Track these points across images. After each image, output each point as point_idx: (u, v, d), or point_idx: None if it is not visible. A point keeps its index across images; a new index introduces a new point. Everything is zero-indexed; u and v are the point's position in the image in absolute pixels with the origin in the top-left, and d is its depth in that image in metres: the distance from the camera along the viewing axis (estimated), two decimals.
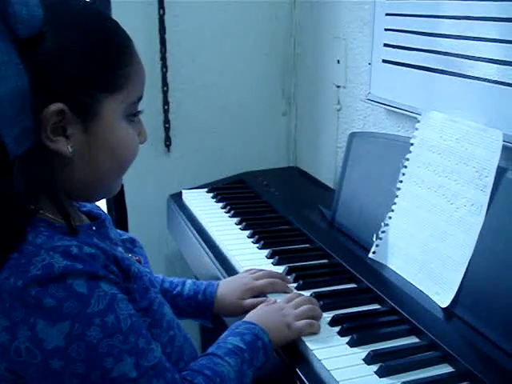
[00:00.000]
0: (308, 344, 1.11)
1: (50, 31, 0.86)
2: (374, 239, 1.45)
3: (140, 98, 0.98)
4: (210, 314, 1.31)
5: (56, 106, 0.86)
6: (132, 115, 0.97)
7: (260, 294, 1.30)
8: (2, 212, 0.84)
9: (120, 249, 1.04)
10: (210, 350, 1.05)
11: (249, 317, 1.16)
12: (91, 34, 0.90)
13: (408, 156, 1.43)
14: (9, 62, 0.82)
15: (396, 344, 1.12)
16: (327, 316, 1.20)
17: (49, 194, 0.90)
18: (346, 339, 1.12)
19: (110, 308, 0.86)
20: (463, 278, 1.21)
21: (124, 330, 0.87)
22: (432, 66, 1.51)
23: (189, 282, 1.34)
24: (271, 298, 1.27)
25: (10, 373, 0.85)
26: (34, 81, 0.84)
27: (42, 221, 0.90)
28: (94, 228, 1.00)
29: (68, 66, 0.87)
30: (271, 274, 1.34)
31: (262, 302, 1.24)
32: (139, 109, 0.99)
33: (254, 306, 1.23)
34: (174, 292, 1.31)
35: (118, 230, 1.13)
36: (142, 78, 0.98)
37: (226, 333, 1.09)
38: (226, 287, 1.32)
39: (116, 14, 2.03)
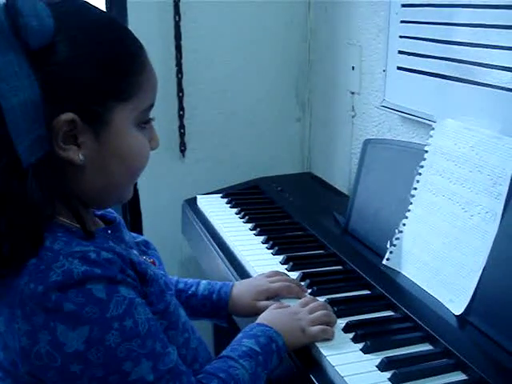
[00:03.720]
0: (322, 350, 1.12)
1: (61, 41, 0.86)
2: (388, 246, 1.45)
3: (152, 106, 0.98)
4: (225, 314, 1.32)
5: (66, 116, 0.87)
6: (143, 122, 0.97)
7: (274, 296, 1.30)
8: (18, 218, 0.86)
9: (135, 252, 1.05)
10: (225, 352, 1.06)
11: (263, 318, 1.16)
12: (102, 43, 0.91)
13: (422, 163, 1.43)
14: (20, 73, 0.83)
15: (409, 351, 1.12)
16: (341, 322, 1.20)
17: (63, 201, 0.91)
18: (360, 346, 1.13)
19: (129, 313, 0.87)
20: (477, 285, 1.21)
21: (142, 334, 0.88)
22: (447, 74, 1.51)
23: (203, 282, 1.35)
24: (285, 302, 1.27)
25: (31, 376, 0.87)
26: (45, 91, 0.84)
27: (59, 226, 0.90)
28: (109, 231, 1.02)
29: (79, 76, 0.87)
30: (287, 279, 1.35)
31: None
32: (151, 115, 0.99)
33: (267, 308, 1.23)
34: (189, 292, 1.32)
35: (132, 233, 1.14)
36: (154, 86, 0.98)
37: (240, 335, 1.10)
38: (241, 288, 1.33)
39: (132, 20, 2.05)
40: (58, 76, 0.86)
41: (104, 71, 0.90)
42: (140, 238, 1.17)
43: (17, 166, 0.85)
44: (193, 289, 1.33)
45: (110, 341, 0.85)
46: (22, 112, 0.83)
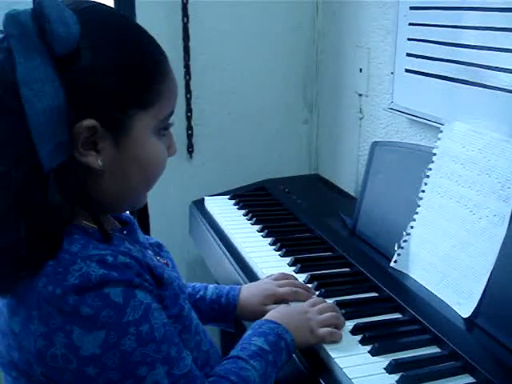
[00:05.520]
0: (330, 352, 1.12)
1: (86, 48, 0.87)
2: (396, 248, 1.46)
3: (171, 113, 0.98)
4: (233, 319, 1.31)
5: (88, 122, 0.87)
6: (163, 129, 0.97)
7: (282, 301, 1.30)
8: (38, 222, 0.86)
9: (150, 252, 1.06)
10: (235, 352, 1.05)
11: (272, 315, 1.15)
12: (126, 51, 0.91)
13: (430, 166, 1.43)
14: (45, 79, 0.83)
15: (417, 353, 1.12)
16: (349, 324, 1.20)
17: (82, 204, 0.92)
18: (368, 348, 1.13)
19: (145, 317, 0.88)
20: (485, 288, 1.21)
21: (157, 339, 0.88)
22: (454, 76, 1.51)
23: (211, 286, 1.35)
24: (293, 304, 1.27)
25: (45, 377, 0.87)
26: (68, 96, 0.85)
27: (77, 227, 0.91)
28: (124, 232, 1.02)
29: (102, 83, 0.88)
30: (295, 283, 1.34)
31: None
32: (170, 121, 1.00)
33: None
34: (197, 296, 1.32)
35: (145, 235, 1.15)
36: (175, 94, 0.98)
37: (248, 332, 1.10)
38: (249, 292, 1.32)
39: (140, 22, 2.03)
40: (82, 82, 0.86)
41: (126, 79, 0.90)
42: (153, 240, 1.18)
43: (38, 171, 0.85)
44: (201, 293, 1.33)
45: (126, 345, 0.85)
46: (45, 117, 0.84)
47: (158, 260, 1.07)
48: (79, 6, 0.89)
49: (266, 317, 1.15)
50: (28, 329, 0.86)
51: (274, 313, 1.17)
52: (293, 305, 1.27)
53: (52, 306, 0.84)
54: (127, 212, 1.13)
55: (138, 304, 0.87)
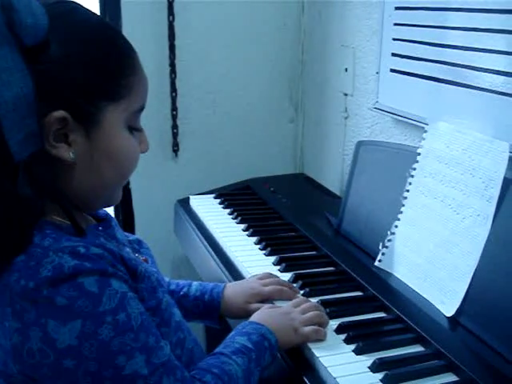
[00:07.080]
0: (314, 351, 1.12)
1: (55, 40, 0.87)
2: (380, 247, 1.46)
3: (142, 108, 0.99)
4: (217, 315, 1.32)
5: (58, 114, 0.87)
6: (135, 129, 0.98)
7: (267, 300, 1.30)
8: (7, 215, 0.86)
9: (127, 249, 1.05)
10: (218, 349, 1.06)
11: (255, 318, 1.16)
12: (95, 44, 0.92)
13: (415, 165, 1.44)
14: (14, 68, 0.83)
15: (401, 352, 1.12)
16: (333, 323, 1.21)
17: (53, 198, 0.92)
18: (352, 347, 1.13)
19: (121, 306, 0.87)
20: (468, 287, 1.22)
21: (135, 328, 0.88)
22: (439, 77, 1.52)
23: (195, 283, 1.35)
24: (278, 304, 1.28)
25: (24, 376, 0.86)
26: (37, 87, 0.85)
27: (49, 223, 0.91)
28: (100, 228, 1.02)
29: (71, 75, 0.88)
30: (280, 282, 1.35)
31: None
32: (141, 125, 1.00)
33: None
34: (181, 293, 1.32)
35: (125, 232, 1.14)
36: (145, 88, 0.99)
37: (232, 333, 1.11)
38: (234, 289, 1.32)
39: (126, 20, 2.05)
40: (50, 74, 0.87)
41: (95, 71, 0.91)
42: (132, 237, 1.18)
43: (7, 162, 0.85)
44: (184, 290, 1.33)
45: (103, 335, 0.85)
46: (14, 106, 0.83)
47: (137, 257, 1.06)
48: (47, 1, 0.89)
49: (251, 319, 1.16)
50: (3, 326, 0.85)
51: (258, 315, 1.18)
52: (277, 304, 1.27)
53: (25, 300, 0.84)
54: (106, 210, 1.13)
55: (114, 293, 0.87)
